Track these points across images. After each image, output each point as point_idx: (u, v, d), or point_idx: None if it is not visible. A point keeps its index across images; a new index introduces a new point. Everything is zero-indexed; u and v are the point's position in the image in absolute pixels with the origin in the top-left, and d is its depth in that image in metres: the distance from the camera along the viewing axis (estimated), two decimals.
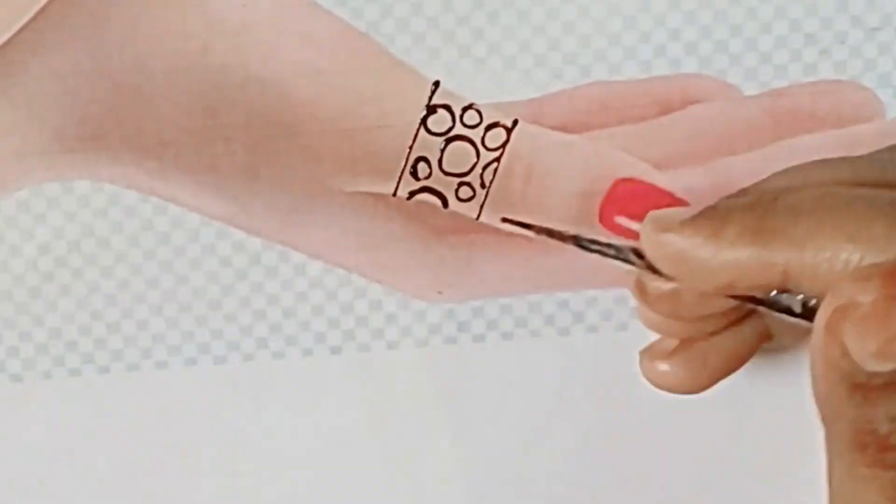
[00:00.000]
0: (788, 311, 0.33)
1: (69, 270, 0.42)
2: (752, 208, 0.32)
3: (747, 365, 0.41)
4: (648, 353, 0.39)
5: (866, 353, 0.29)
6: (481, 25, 0.41)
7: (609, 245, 0.37)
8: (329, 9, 0.40)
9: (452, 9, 0.40)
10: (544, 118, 0.41)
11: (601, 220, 0.39)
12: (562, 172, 0.40)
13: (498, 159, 0.41)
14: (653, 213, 0.34)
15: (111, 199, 0.41)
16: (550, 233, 0.39)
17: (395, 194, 0.41)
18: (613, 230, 0.40)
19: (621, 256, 0.36)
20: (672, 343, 0.38)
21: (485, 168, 0.41)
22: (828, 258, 0.31)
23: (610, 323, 0.43)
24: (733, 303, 0.35)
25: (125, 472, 0.44)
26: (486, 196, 0.41)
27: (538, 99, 0.41)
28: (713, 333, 0.37)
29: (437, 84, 0.40)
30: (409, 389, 0.44)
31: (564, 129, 0.41)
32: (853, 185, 0.32)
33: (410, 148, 0.40)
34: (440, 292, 0.43)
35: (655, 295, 0.35)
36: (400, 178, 0.40)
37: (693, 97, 0.42)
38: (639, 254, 0.36)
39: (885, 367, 0.29)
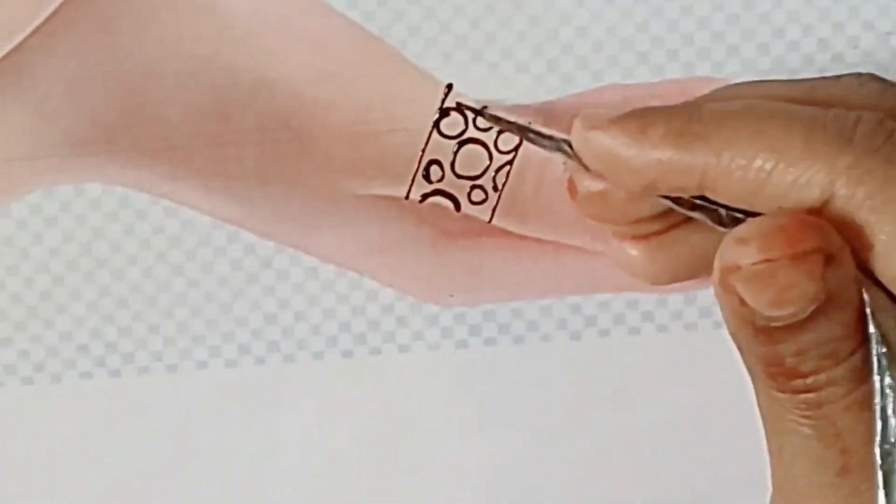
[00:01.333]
0: (718, 221, 0.33)
1: (80, 273, 0.42)
2: (679, 112, 0.33)
3: None
4: (620, 235, 0.38)
5: (761, 305, 0.30)
6: (494, 30, 0.40)
7: (550, 137, 0.37)
8: (341, 12, 0.40)
9: (465, 13, 0.40)
10: (557, 122, 0.41)
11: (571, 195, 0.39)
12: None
13: (511, 162, 0.41)
14: (584, 112, 0.35)
15: (122, 202, 0.41)
16: (497, 119, 0.39)
17: (407, 197, 0.41)
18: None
19: (561, 149, 0.36)
20: (646, 229, 0.38)
21: (497, 171, 0.41)
22: (742, 165, 0.31)
23: (622, 327, 0.43)
24: (661, 207, 0.35)
25: (136, 476, 0.44)
26: (498, 199, 0.41)
27: (551, 102, 0.41)
28: (675, 226, 0.37)
29: (449, 87, 0.40)
30: (420, 393, 0.44)
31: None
32: (782, 101, 0.32)
33: (423, 151, 0.40)
34: (452, 296, 0.43)
35: (585, 195, 0.35)
36: (412, 181, 0.41)
37: None
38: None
39: (781, 313, 0.30)
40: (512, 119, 0.39)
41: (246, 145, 0.40)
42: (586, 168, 0.35)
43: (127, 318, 0.43)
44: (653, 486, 0.45)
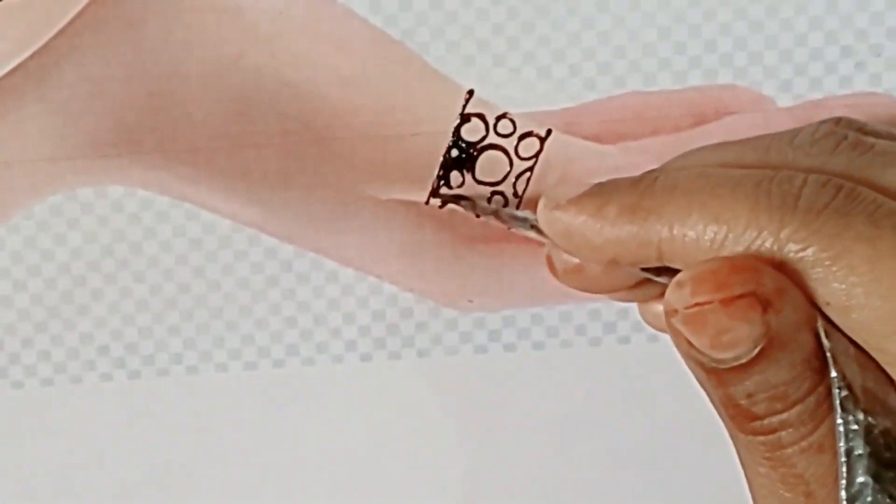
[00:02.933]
0: None
1: (101, 275, 0.42)
2: (634, 187, 0.33)
3: None
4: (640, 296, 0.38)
5: (704, 347, 0.30)
6: (516, 34, 0.40)
7: (523, 219, 0.37)
8: (364, 17, 0.40)
9: (487, 17, 0.40)
10: (578, 128, 0.41)
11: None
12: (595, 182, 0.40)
13: (531, 168, 0.41)
14: (547, 191, 0.35)
15: (144, 205, 0.42)
16: (475, 207, 0.40)
17: (427, 202, 0.41)
18: None
19: (533, 227, 0.36)
20: (654, 292, 0.38)
21: (518, 177, 0.41)
22: (695, 238, 0.31)
23: (641, 334, 0.43)
24: (637, 276, 0.35)
25: (155, 477, 0.44)
26: (518, 205, 0.41)
27: (572, 108, 0.41)
28: (661, 295, 0.37)
29: (471, 92, 0.40)
30: (438, 398, 0.44)
31: (598, 138, 0.41)
32: (734, 167, 0.33)
33: (444, 156, 0.40)
34: (471, 301, 0.43)
35: (563, 269, 0.36)
36: (433, 186, 0.41)
37: (728, 108, 0.41)
38: None
39: (723, 356, 0.30)
40: (485, 205, 0.40)
41: (268, 148, 0.40)
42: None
43: (147, 319, 0.43)
44: (672, 493, 0.45)
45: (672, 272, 0.33)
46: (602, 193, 0.34)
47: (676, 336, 0.31)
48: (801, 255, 0.30)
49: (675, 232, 0.32)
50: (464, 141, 0.40)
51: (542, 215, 0.35)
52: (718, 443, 0.44)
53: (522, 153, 0.41)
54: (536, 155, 0.41)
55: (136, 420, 0.44)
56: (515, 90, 0.41)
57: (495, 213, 0.39)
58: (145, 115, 0.40)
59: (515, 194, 0.41)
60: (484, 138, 0.40)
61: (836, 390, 0.30)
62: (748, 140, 0.34)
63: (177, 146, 0.40)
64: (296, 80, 0.40)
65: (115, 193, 0.42)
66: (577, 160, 0.41)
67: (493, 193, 0.41)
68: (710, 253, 0.31)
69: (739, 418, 0.31)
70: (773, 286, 0.30)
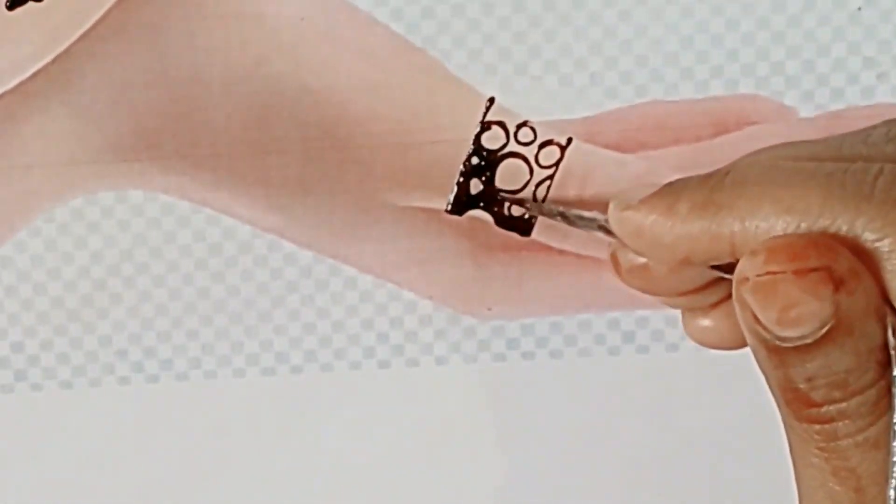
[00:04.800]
0: None
1: (121, 279, 0.42)
2: (704, 183, 0.33)
3: None
4: (689, 312, 0.39)
5: (770, 321, 0.30)
6: (538, 43, 0.40)
7: (591, 219, 0.37)
8: (385, 24, 0.40)
9: (509, 26, 0.40)
10: (599, 137, 0.41)
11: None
12: (615, 192, 0.40)
13: (551, 177, 0.41)
14: (617, 193, 0.35)
15: (164, 210, 0.42)
16: (541, 210, 0.39)
17: (447, 210, 0.41)
18: None
19: (601, 228, 0.36)
20: (713, 298, 0.38)
21: (538, 185, 0.41)
22: (767, 229, 0.31)
23: (660, 343, 0.43)
24: (705, 277, 0.35)
25: (172, 482, 0.44)
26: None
27: (593, 117, 0.41)
28: (723, 299, 0.37)
29: (492, 100, 0.40)
30: (456, 405, 0.44)
31: (619, 147, 0.41)
32: (805, 160, 0.33)
33: (464, 164, 0.40)
34: (490, 309, 0.43)
35: (627, 268, 0.36)
36: (453, 193, 0.41)
37: (749, 118, 0.41)
38: None
39: (789, 332, 0.30)
40: (552, 206, 0.40)
41: (288, 154, 0.40)
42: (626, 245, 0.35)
43: (166, 324, 0.43)
44: (689, 502, 0.45)
45: None
46: (672, 192, 0.34)
47: (743, 309, 0.31)
48: (876, 244, 0.30)
49: (747, 224, 0.31)
50: (484, 149, 0.40)
51: (613, 216, 0.35)
52: (736, 453, 0.44)
53: (543, 161, 0.41)
54: (557, 163, 0.41)
55: (154, 424, 0.44)
56: (536, 98, 0.41)
57: (562, 215, 0.39)
58: (167, 120, 0.40)
59: (535, 202, 0.41)
60: (504, 146, 0.40)
61: None
62: (820, 139, 0.34)
63: (198, 151, 0.40)
64: (317, 86, 0.40)
65: (135, 198, 0.42)
66: (597, 169, 0.41)
67: (513, 202, 0.41)
68: None
69: (796, 403, 0.31)
70: (847, 266, 0.30)
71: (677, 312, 0.43)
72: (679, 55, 0.41)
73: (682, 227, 0.33)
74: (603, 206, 0.36)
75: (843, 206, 0.30)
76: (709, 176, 0.33)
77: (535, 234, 0.42)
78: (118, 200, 0.42)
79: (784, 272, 0.30)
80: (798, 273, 0.30)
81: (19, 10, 0.38)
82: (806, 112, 0.42)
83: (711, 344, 0.38)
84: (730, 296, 0.36)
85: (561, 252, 0.42)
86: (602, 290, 0.43)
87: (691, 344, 0.43)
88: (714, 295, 0.36)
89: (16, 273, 0.42)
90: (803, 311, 0.30)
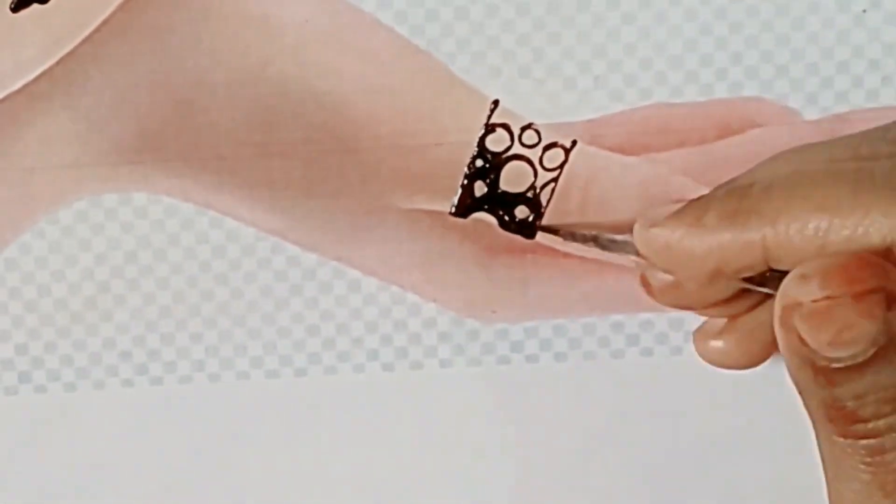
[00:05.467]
0: None
1: (124, 281, 0.42)
2: (731, 194, 0.33)
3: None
4: (700, 333, 0.39)
5: (820, 344, 0.30)
6: (542, 45, 0.40)
7: (625, 242, 0.37)
8: (390, 26, 0.40)
9: (513, 28, 0.40)
10: (603, 139, 0.41)
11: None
12: (619, 194, 0.40)
13: (555, 180, 0.41)
14: (643, 211, 0.35)
15: (168, 212, 0.42)
16: (574, 236, 0.39)
17: (451, 212, 0.41)
18: None
19: (631, 250, 0.36)
20: (722, 321, 0.38)
21: (542, 188, 0.41)
22: (799, 229, 0.31)
23: (664, 346, 0.43)
24: (733, 289, 0.35)
25: (175, 484, 0.44)
26: (541, 217, 0.41)
27: (597, 120, 0.41)
28: (753, 307, 0.37)
29: (496, 103, 0.40)
30: (460, 408, 0.44)
31: (623, 150, 0.41)
32: (825, 162, 0.32)
33: (468, 166, 0.40)
34: (494, 311, 0.43)
35: (658, 287, 0.36)
36: (457, 196, 0.40)
37: (753, 121, 0.41)
38: None
39: (840, 354, 0.30)
40: (584, 231, 0.39)
41: (292, 157, 0.40)
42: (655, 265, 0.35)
43: (170, 326, 0.43)
44: None
45: (775, 281, 0.32)
46: (699, 206, 0.34)
47: (787, 332, 0.31)
48: None
49: (778, 227, 0.31)
50: (488, 151, 0.40)
51: (638, 235, 0.35)
52: (741, 454, 0.44)
53: (547, 164, 0.41)
54: (561, 166, 0.41)
55: (158, 426, 0.44)
56: (541, 101, 0.41)
57: (594, 239, 0.39)
58: (170, 122, 0.40)
59: (539, 206, 0.41)
60: (508, 149, 0.40)
61: None
62: (835, 140, 0.34)
63: (201, 154, 0.40)
64: (321, 89, 0.40)
65: (139, 200, 0.42)
66: (601, 171, 0.41)
67: (518, 203, 0.41)
68: (816, 242, 0.31)
69: (841, 421, 0.31)
70: None
71: (681, 315, 0.43)
72: (683, 58, 0.41)
73: (713, 238, 0.33)
74: (630, 228, 0.36)
75: (874, 198, 0.30)
76: (734, 186, 0.33)
77: (539, 237, 0.41)
78: (122, 203, 0.42)
79: (841, 296, 0.30)
80: (856, 297, 0.30)
81: (23, 12, 0.38)
82: (810, 115, 0.42)
83: (724, 364, 0.38)
84: (756, 305, 0.36)
85: (565, 255, 0.42)
86: (606, 293, 0.42)
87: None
88: (749, 302, 0.36)
89: (20, 275, 0.42)
90: (858, 334, 0.30)
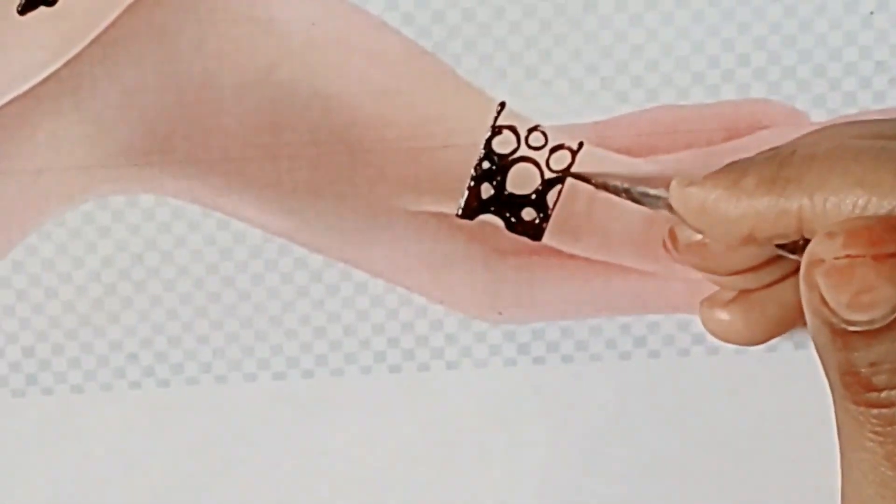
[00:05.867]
0: None
1: (132, 283, 0.42)
2: (771, 160, 0.33)
3: (812, 401, 0.40)
4: (708, 301, 0.39)
5: (839, 304, 0.30)
6: (548, 47, 0.40)
7: (657, 197, 0.37)
8: (396, 28, 0.40)
9: (520, 30, 0.40)
10: (610, 141, 0.41)
11: (665, 245, 0.39)
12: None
13: (562, 181, 0.41)
14: (679, 172, 0.35)
15: (175, 214, 0.42)
16: (606, 186, 0.39)
17: (458, 214, 0.41)
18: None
19: (663, 205, 0.36)
20: (732, 292, 0.38)
21: (549, 190, 0.41)
22: (836, 203, 0.31)
23: (671, 348, 0.43)
24: (761, 257, 0.35)
25: (182, 486, 0.44)
26: (547, 220, 0.41)
27: (604, 121, 0.41)
28: (770, 284, 0.37)
29: (502, 105, 0.40)
30: (467, 410, 0.44)
31: (630, 152, 0.41)
32: (869, 138, 0.32)
33: (475, 168, 0.40)
34: (501, 313, 0.43)
35: (685, 245, 0.36)
36: (464, 198, 0.40)
37: (760, 123, 0.41)
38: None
39: (858, 317, 0.30)
40: (618, 184, 0.39)
41: (299, 159, 0.40)
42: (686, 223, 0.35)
43: (177, 328, 0.43)
44: None
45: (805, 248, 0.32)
46: (738, 168, 0.34)
47: (811, 291, 0.31)
48: None
49: (815, 199, 0.31)
50: (495, 153, 0.40)
51: (675, 192, 0.35)
52: (747, 457, 0.44)
53: (553, 166, 0.41)
54: (568, 168, 0.41)
55: (165, 428, 0.44)
56: (547, 103, 0.41)
57: (627, 192, 0.39)
58: (177, 124, 0.40)
59: (546, 207, 0.41)
60: (515, 151, 0.40)
61: None
62: (884, 119, 0.34)
63: (208, 156, 0.40)
64: (328, 91, 0.40)
65: (146, 202, 0.42)
66: (609, 173, 0.41)
67: (524, 205, 0.41)
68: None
69: (856, 387, 0.31)
70: None
71: (689, 318, 0.43)
72: (690, 59, 0.41)
73: (749, 203, 0.33)
74: (667, 184, 0.36)
75: None
76: (776, 153, 0.33)
77: (545, 239, 0.41)
78: (129, 204, 0.42)
79: (863, 256, 0.30)
80: (877, 258, 0.30)
81: (31, 14, 0.38)
82: (817, 116, 0.41)
83: (728, 338, 0.38)
84: (781, 279, 0.36)
85: (572, 257, 0.42)
86: (613, 295, 0.42)
87: (702, 349, 0.43)
88: (768, 276, 0.36)
89: (27, 277, 0.42)
90: (877, 296, 0.30)
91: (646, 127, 0.41)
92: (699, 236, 0.36)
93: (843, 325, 0.30)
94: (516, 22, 0.40)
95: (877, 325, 0.30)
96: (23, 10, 0.38)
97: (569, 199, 0.41)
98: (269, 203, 0.41)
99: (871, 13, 0.41)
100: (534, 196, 0.41)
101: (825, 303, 0.30)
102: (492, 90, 0.41)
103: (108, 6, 0.39)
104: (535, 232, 0.41)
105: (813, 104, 0.41)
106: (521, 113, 0.41)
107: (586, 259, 0.42)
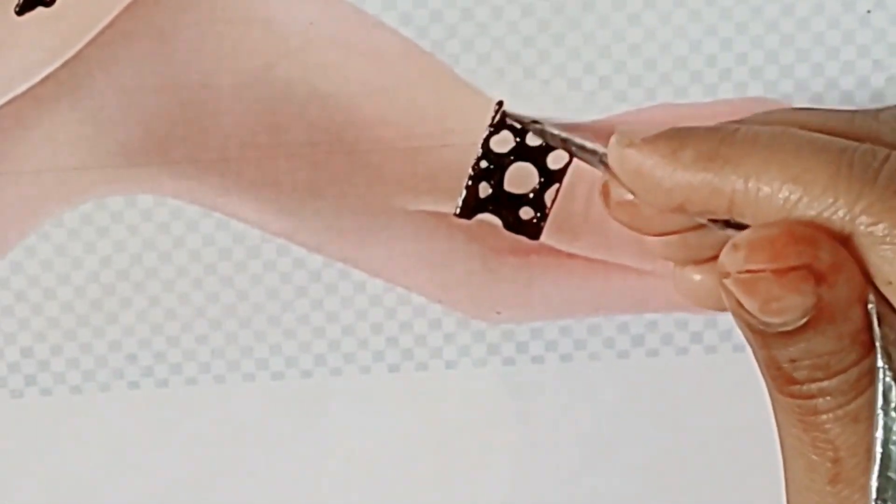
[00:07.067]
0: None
1: (130, 284, 0.42)
2: (713, 134, 0.33)
3: None
4: (681, 264, 0.38)
5: (752, 309, 0.31)
6: (546, 46, 0.40)
7: (592, 151, 0.37)
8: (394, 28, 0.40)
9: (517, 29, 0.40)
10: (608, 140, 0.41)
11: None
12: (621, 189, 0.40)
13: (560, 181, 0.41)
14: (620, 128, 0.35)
15: (174, 214, 0.42)
16: (543, 133, 0.39)
17: (456, 214, 0.41)
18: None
19: (601, 162, 0.36)
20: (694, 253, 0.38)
21: (546, 189, 0.41)
22: (769, 195, 0.31)
23: (669, 347, 0.43)
24: (690, 223, 0.35)
25: (181, 486, 0.44)
26: (545, 218, 0.41)
27: (602, 120, 0.41)
28: (703, 248, 0.37)
29: (500, 104, 0.40)
30: (466, 409, 0.44)
31: None
32: (817, 132, 0.33)
33: (473, 167, 0.40)
34: (499, 312, 0.43)
35: (617, 202, 0.36)
36: (462, 197, 0.41)
37: None
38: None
39: (772, 320, 0.31)
40: (556, 132, 0.39)
41: (298, 158, 0.40)
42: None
43: (176, 328, 0.43)
44: None
45: (737, 227, 0.33)
46: (679, 137, 0.33)
47: (727, 295, 0.31)
48: (871, 229, 0.30)
49: (750, 185, 0.32)
50: (493, 153, 0.40)
51: (612, 151, 0.35)
52: (746, 455, 0.44)
53: (552, 165, 0.41)
54: (566, 167, 0.41)
55: (164, 429, 0.44)
56: (545, 102, 0.41)
57: (564, 142, 0.38)
58: (176, 124, 0.40)
59: (543, 206, 0.41)
60: (513, 150, 0.40)
61: (882, 379, 0.30)
62: (829, 110, 0.34)
63: (207, 156, 0.40)
64: (326, 90, 0.40)
65: (144, 202, 0.42)
66: None
67: (522, 204, 0.41)
68: (782, 212, 0.31)
69: (780, 380, 0.32)
70: (829, 260, 0.30)
71: (687, 316, 0.43)
72: (688, 59, 0.41)
73: (683, 176, 0.33)
74: (606, 139, 0.35)
75: (847, 186, 0.31)
76: (719, 127, 0.33)
77: (544, 238, 0.42)
78: (127, 205, 0.42)
79: (763, 270, 0.30)
80: (777, 272, 0.30)
81: (28, 15, 0.38)
82: None
83: (701, 301, 0.38)
84: (714, 251, 0.36)
85: (570, 255, 0.42)
86: (611, 294, 0.43)
87: (701, 347, 0.43)
88: (695, 240, 0.36)
89: (25, 278, 0.42)
90: (784, 305, 0.30)
91: (644, 126, 0.41)
92: (631, 196, 0.35)
93: (761, 327, 0.31)
94: (514, 21, 0.40)
95: (790, 328, 0.30)
96: (21, 11, 0.38)
97: (567, 199, 0.41)
98: (268, 203, 0.41)
99: (869, 12, 0.41)
100: (531, 195, 0.41)
101: (741, 305, 0.31)
102: (490, 89, 0.41)
103: (105, 7, 0.39)
104: (533, 231, 0.41)
105: (810, 103, 0.41)
106: (520, 112, 0.41)
107: (585, 258, 0.42)
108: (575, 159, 0.40)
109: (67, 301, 0.42)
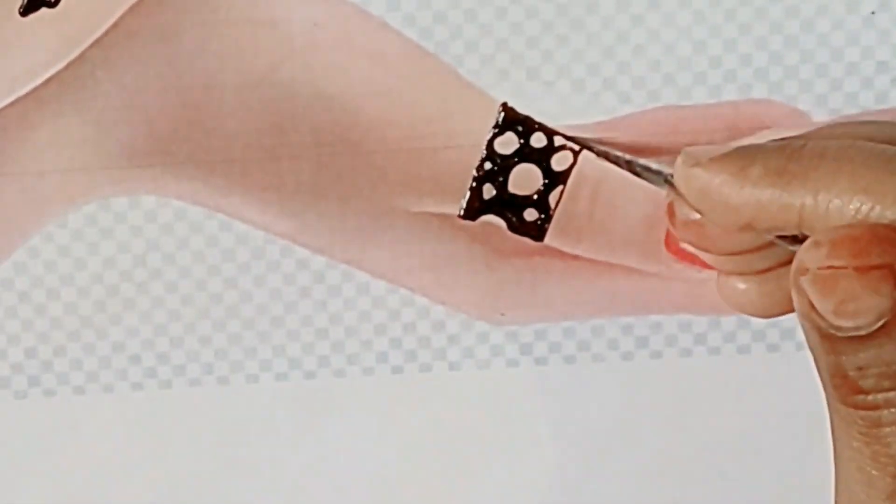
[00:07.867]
0: None
1: (134, 285, 0.42)
2: (780, 151, 0.33)
3: (813, 401, 0.40)
4: (726, 269, 0.38)
5: (826, 311, 0.30)
6: (550, 48, 0.40)
7: (657, 172, 0.37)
8: (398, 29, 0.40)
9: (522, 31, 0.40)
10: (612, 141, 0.41)
11: (667, 245, 0.39)
12: (628, 196, 0.40)
13: (564, 182, 0.41)
14: (688, 148, 0.35)
15: (177, 215, 0.42)
16: (608, 156, 0.39)
17: (460, 215, 0.41)
18: (679, 255, 0.39)
19: (666, 182, 0.36)
20: (760, 265, 0.38)
21: (551, 191, 0.41)
22: (840, 206, 0.31)
23: (673, 349, 0.43)
24: (758, 242, 0.35)
25: (185, 487, 0.44)
26: (549, 220, 0.41)
27: (606, 122, 0.41)
28: (770, 268, 0.37)
29: (504, 105, 0.40)
30: (470, 411, 0.44)
31: (632, 152, 0.41)
32: (884, 143, 0.32)
33: (477, 169, 0.40)
34: (503, 314, 0.43)
35: (683, 221, 0.36)
36: (466, 198, 0.41)
37: (762, 123, 0.41)
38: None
39: (844, 323, 0.30)
40: (619, 154, 0.39)
41: (302, 159, 0.40)
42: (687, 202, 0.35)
43: (179, 329, 0.43)
44: None
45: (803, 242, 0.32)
46: (747, 154, 0.33)
47: (799, 295, 0.31)
48: None
49: (819, 199, 0.31)
50: (497, 154, 0.40)
51: (679, 171, 0.34)
52: (749, 457, 0.44)
53: (556, 166, 0.41)
54: (570, 168, 0.41)
55: (167, 429, 0.44)
56: (549, 103, 0.41)
57: (629, 164, 0.38)
58: (180, 125, 0.40)
59: (548, 208, 0.41)
60: (517, 151, 0.40)
61: None
62: (894, 122, 0.34)
63: (211, 157, 0.40)
64: (330, 92, 0.40)
65: (148, 203, 0.42)
66: (610, 174, 0.41)
67: (526, 206, 0.41)
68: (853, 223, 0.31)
69: (844, 389, 0.31)
70: None
71: (691, 318, 0.43)
72: (692, 60, 0.41)
73: (752, 192, 0.33)
74: (671, 160, 0.35)
75: None
76: (786, 143, 0.33)
77: (548, 240, 0.41)
78: (131, 206, 0.42)
79: (846, 267, 0.30)
80: (860, 269, 0.30)
81: (33, 16, 0.38)
82: (819, 116, 0.41)
83: (743, 308, 0.38)
84: (779, 265, 0.36)
85: (574, 257, 0.42)
86: (615, 296, 0.42)
87: (704, 349, 0.43)
88: (764, 261, 0.36)
89: (29, 279, 0.42)
90: (861, 306, 0.30)
91: (648, 127, 0.41)
92: (697, 215, 0.35)
93: (832, 331, 0.31)
94: (518, 23, 0.40)
95: (863, 332, 0.30)
96: (25, 12, 0.38)
97: (571, 200, 0.41)
98: (272, 204, 0.41)
99: (873, 13, 0.41)
100: (536, 197, 0.41)
101: (813, 307, 0.31)
102: (493, 91, 0.41)
103: (109, 7, 0.39)
104: (537, 233, 0.41)
105: (815, 104, 0.41)
106: (523, 113, 0.41)
107: (588, 260, 0.42)
108: (579, 161, 0.40)
109: (71, 302, 0.42)
